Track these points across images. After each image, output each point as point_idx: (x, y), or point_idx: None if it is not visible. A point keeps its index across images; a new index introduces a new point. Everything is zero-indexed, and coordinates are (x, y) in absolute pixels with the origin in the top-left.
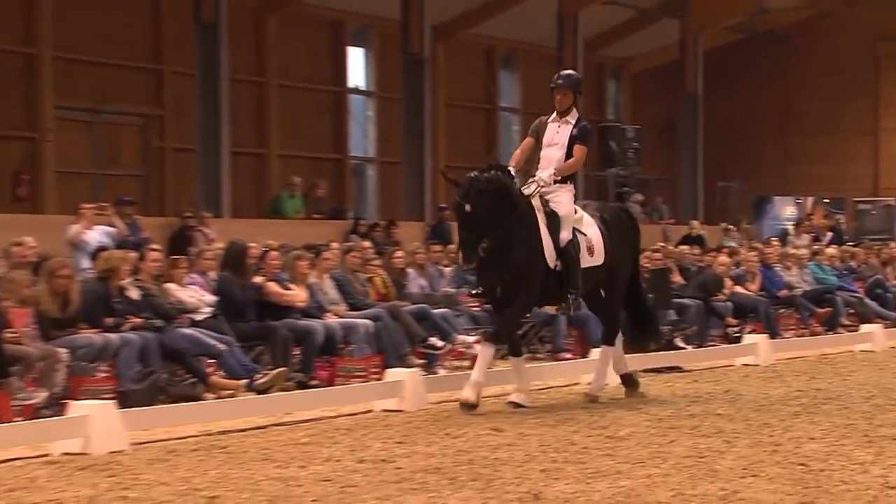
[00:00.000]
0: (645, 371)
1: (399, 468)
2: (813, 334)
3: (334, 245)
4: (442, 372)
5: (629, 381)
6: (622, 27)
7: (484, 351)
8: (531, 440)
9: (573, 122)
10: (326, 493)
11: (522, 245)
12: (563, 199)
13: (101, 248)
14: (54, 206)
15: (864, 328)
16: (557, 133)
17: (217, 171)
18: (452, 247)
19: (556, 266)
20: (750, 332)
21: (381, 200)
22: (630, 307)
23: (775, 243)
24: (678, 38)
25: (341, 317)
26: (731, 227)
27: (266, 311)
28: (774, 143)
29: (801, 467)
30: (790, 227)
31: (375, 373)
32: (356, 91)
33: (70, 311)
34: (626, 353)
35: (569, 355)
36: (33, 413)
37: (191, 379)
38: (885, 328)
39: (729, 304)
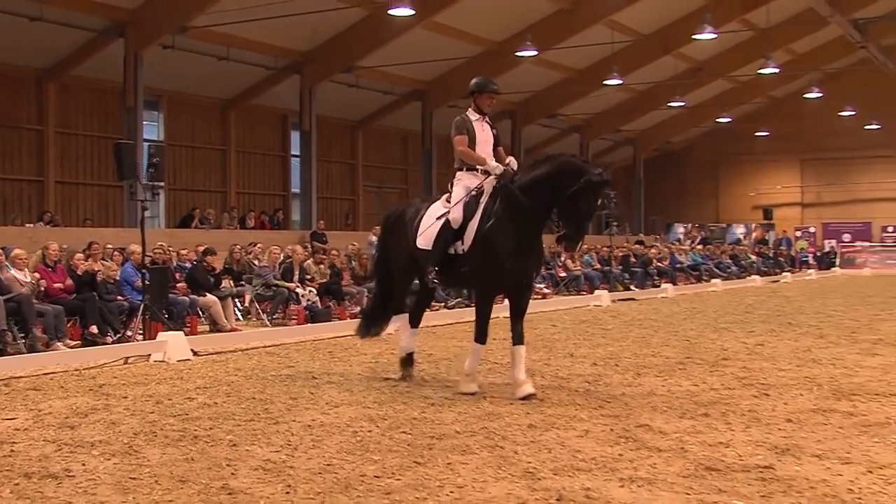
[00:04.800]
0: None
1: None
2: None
3: None
4: None
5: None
6: (609, 149)
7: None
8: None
9: (490, 122)
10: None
11: None
12: None
13: None
14: (363, 227)
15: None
16: (483, 131)
17: None
18: None
19: None
20: (665, 284)
21: None
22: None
23: (675, 244)
24: (632, 155)
25: None
26: (657, 236)
27: None
28: (674, 201)
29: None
30: (682, 236)
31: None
32: None
33: (367, 272)
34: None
35: None
36: (354, 315)
37: None
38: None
39: (655, 270)
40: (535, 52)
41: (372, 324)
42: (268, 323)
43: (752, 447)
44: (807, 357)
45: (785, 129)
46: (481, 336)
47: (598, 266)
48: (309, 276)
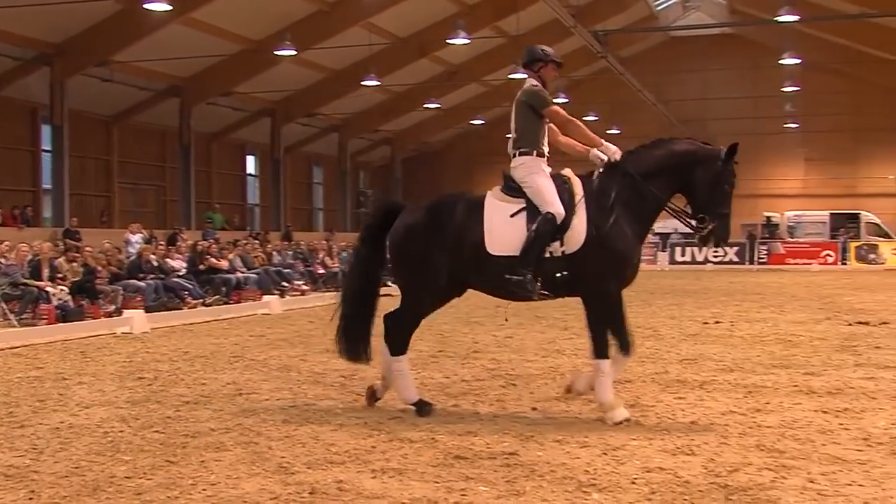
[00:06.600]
0: None
1: None
2: None
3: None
4: None
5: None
6: (368, 148)
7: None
8: None
9: None
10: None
11: None
12: None
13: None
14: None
15: None
16: None
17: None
18: None
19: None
20: None
21: None
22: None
23: None
24: (390, 154)
25: (244, 273)
26: None
27: (211, 271)
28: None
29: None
30: None
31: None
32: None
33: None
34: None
35: None
36: (108, 313)
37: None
38: None
39: None
40: (294, 52)
41: (358, 344)
42: (15, 323)
43: (498, 435)
44: (552, 348)
45: None
46: (605, 350)
47: None
48: (60, 275)
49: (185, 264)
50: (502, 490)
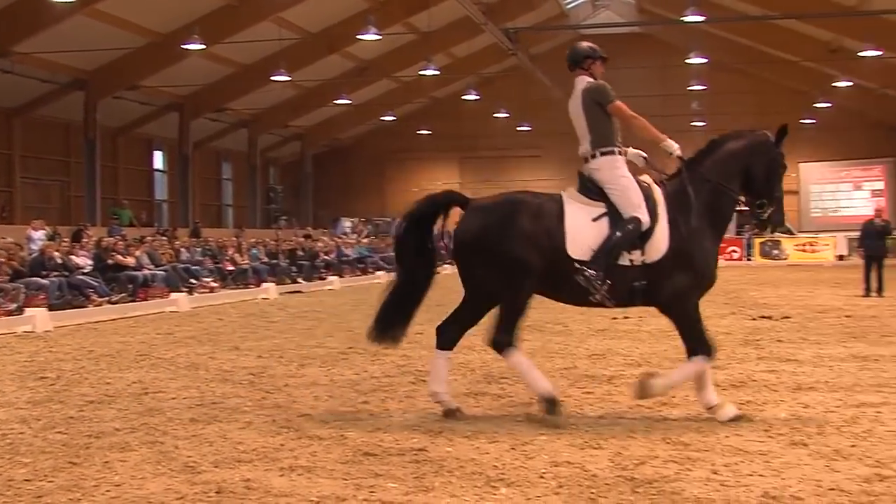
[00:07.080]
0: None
1: None
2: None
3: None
4: None
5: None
6: (278, 144)
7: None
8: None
9: None
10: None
11: None
12: None
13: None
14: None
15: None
16: None
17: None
18: None
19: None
20: (332, 276)
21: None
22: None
23: (342, 237)
24: (301, 150)
25: (151, 270)
26: (324, 229)
27: (118, 268)
28: (342, 196)
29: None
30: (349, 230)
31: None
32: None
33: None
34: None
35: None
36: (9, 312)
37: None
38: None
39: (322, 262)
40: (202, 46)
41: (391, 324)
42: None
43: (408, 431)
44: (462, 344)
45: (445, 129)
46: (703, 347)
47: (266, 259)
48: None
49: (90, 261)
50: (411, 486)
